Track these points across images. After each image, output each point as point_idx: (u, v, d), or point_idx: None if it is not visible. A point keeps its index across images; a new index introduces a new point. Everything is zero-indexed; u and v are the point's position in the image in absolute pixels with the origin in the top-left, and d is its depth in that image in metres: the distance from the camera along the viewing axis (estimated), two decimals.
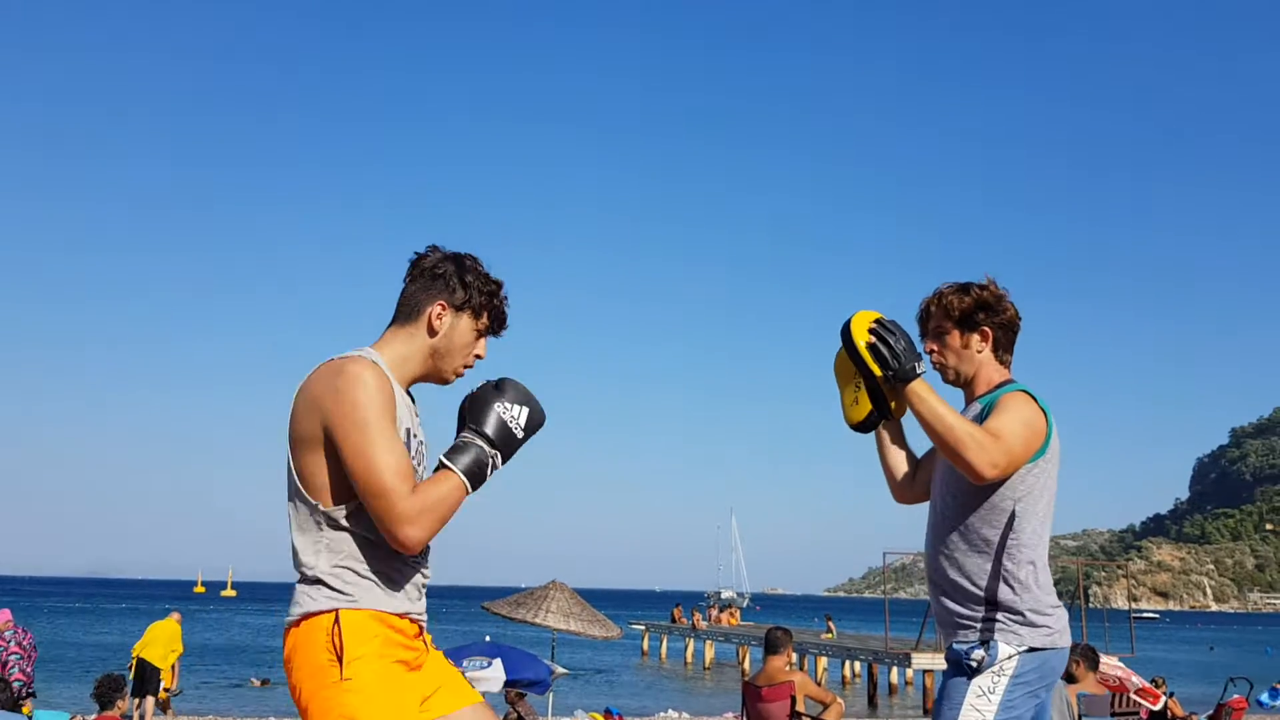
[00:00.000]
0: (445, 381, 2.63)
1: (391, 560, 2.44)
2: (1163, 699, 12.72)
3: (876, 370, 2.91)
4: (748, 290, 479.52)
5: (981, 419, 2.91)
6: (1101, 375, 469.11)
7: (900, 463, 3.25)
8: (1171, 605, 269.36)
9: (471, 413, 2.52)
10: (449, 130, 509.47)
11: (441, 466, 2.44)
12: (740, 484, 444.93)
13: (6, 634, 12.51)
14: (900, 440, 3.27)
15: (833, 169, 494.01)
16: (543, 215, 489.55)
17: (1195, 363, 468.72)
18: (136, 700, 14.10)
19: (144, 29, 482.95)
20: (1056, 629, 2.86)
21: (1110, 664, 10.81)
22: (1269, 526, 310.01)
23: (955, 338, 3.05)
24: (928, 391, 2.84)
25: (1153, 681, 14.24)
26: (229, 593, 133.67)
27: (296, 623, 2.39)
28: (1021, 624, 2.82)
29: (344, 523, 2.40)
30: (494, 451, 2.49)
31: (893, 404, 3.02)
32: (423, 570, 2.55)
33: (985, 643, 2.81)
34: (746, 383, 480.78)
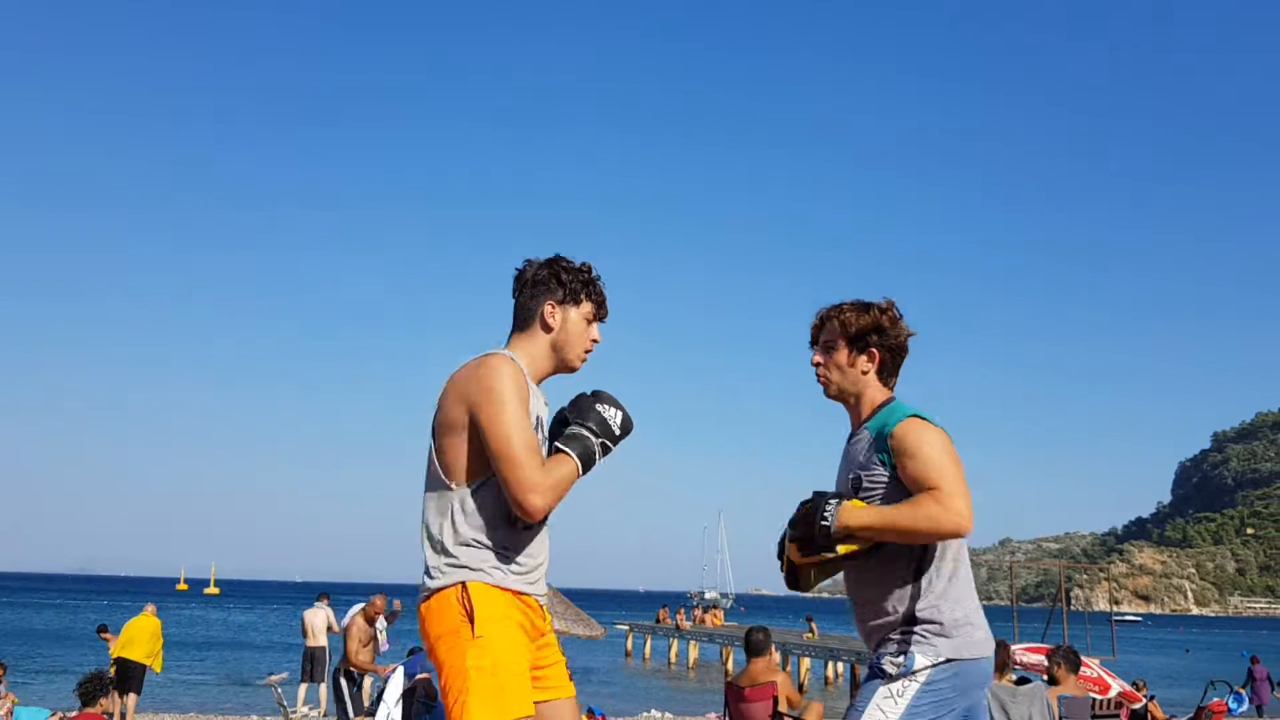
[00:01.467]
0: (573, 369, 3.00)
1: (514, 541, 2.76)
2: (1143, 701, 12.80)
3: (825, 555, 2.90)
4: (736, 291, 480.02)
5: (876, 447, 2.94)
6: (1084, 378, 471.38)
7: None
8: (1153, 608, 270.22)
9: (576, 412, 2.88)
10: (455, 132, 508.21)
11: (558, 450, 2.79)
12: (727, 485, 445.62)
13: None
14: None
15: (825, 166, 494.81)
16: (531, 215, 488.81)
17: (1177, 366, 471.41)
18: (119, 698, 14.04)
19: (145, 28, 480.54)
20: (974, 640, 2.88)
21: (1091, 667, 10.87)
22: (1250, 530, 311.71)
23: (843, 355, 3.09)
24: (860, 518, 2.83)
25: (1134, 684, 14.33)
26: (212, 590, 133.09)
27: (429, 596, 2.72)
28: (937, 635, 2.85)
29: (472, 502, 2.74)
30: (599, 440, 2.85)
31: (855, 548, 2.93)
32: (543, 551, 2.85)
33: (902, 653, 2.85)
34: (734, 383, 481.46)
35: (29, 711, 12.21)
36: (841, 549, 2.87)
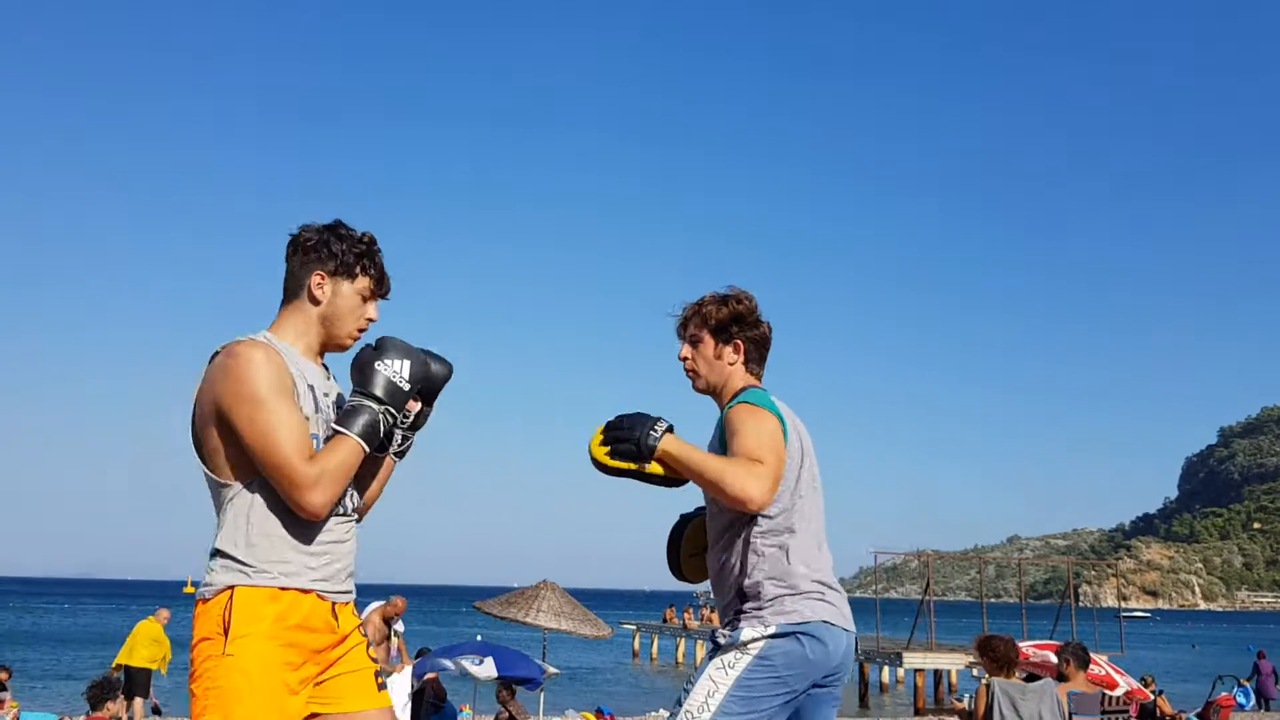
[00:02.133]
0: (343, 347, 2.70)
1: (301, 537, 2.49)
2: (1151, 697, 12.78)
3: (632, 465, 2.84)
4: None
5: (718, 435, 2.99)
6: (1091, 376, 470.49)
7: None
8: (1161, 604, 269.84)
9: (356, 376, 2.61)
10: (456, 131, 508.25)
11: (335, 433, 2.52)
12: None
13: None
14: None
15: (825, 166, 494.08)
16: (532, 215, 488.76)
17: (1183, 362, 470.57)
18: (126, 703, 14.05)
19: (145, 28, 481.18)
20: (807, 613, 2.86)
21: (1099, 663, 10.84)
22: (1256, 525, 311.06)
23: (709, 347, 3.10)
24: (680, 449, 2.81)
25: (1142, 680, 14.31)
26: None
27: (204, 599, 2.44)
28: (765, 609, 2.86)
29: (246, 499, 2.47)
30: (383, 408, 2.57)
31: (661, 472, 2.90)
32: (340, 548, 2.59)
33: (732, 627, 2.88)
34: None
35: (35, 717, 12.24)
36: (650, 467, 2.84)
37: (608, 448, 2.85)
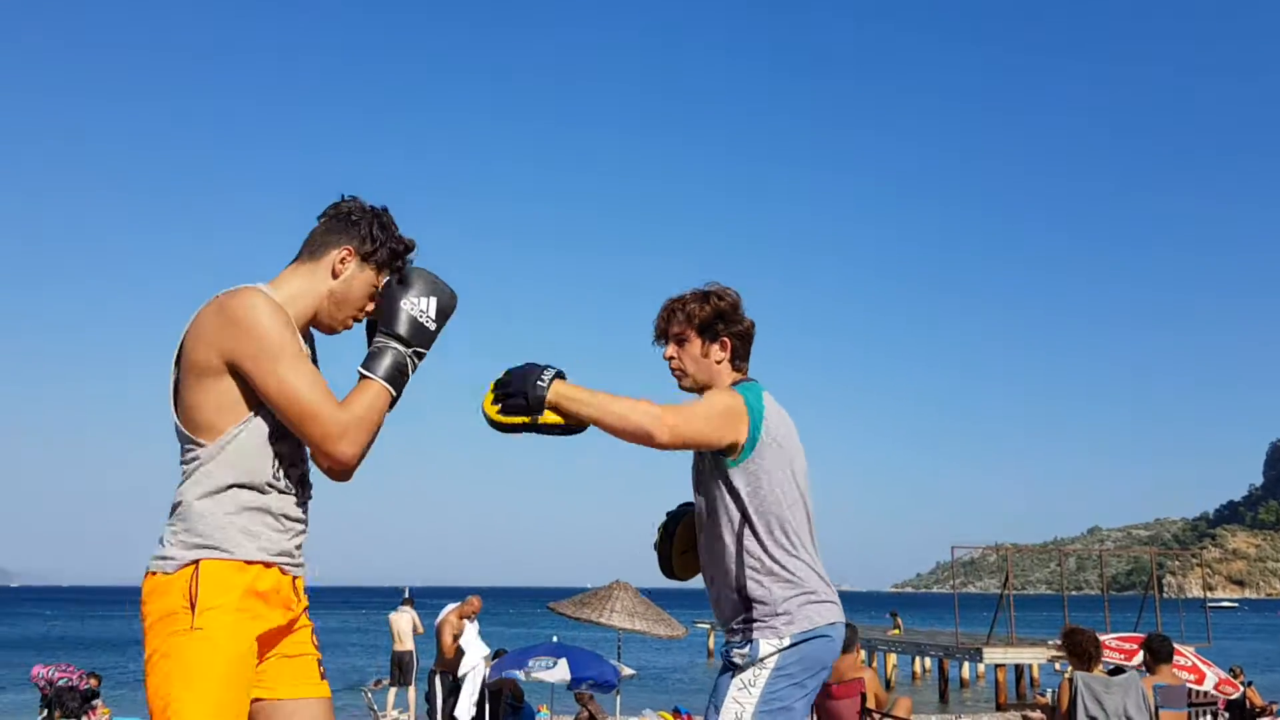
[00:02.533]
0: (332, 330, 2.54)
1: (265, 506, 2.35)
2: (1241, 688, 12.46)
3: (524, 419, 2.71)
4: (766, 290, 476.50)
5: None
6: (1171, 361, 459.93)
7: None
8: (1248, 593, 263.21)
9: (383, 315, 2.50)
10: (458, 129, 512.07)
11: (362, 377, 2.40)
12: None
13: (40, 671, 13.03)
14: None
15: (828, 165, 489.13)
16: (532, 214, 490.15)
17: (1265, 346, 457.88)
18: None
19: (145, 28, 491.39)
20: (816, 618, 2.88)
21: (1185, 655, 10.61)
22: None
23: (696, 345, 3.05)
24: (572, 392, 2.70)
25: (1230, 671, 13.95)
26: None
27: (154, 573, 2.28)
28: (775, 618, 2.87)
29: (219, 461, 2.31)
30: (410, 350, 2.47)
31: (559, 420, 2.78)
32: (298, 523, 2.44)
33: (748, 642, 2.88)
34: (811, 377, 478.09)
35: None
36: (545, 418, 2.71)
37: (499, 405, 2.72)
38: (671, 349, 3.09)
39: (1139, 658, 8.57)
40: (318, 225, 2.53)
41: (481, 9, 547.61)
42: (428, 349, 2.52)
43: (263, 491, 2.35)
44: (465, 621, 11.88)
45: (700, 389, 3.06)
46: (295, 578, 2.42)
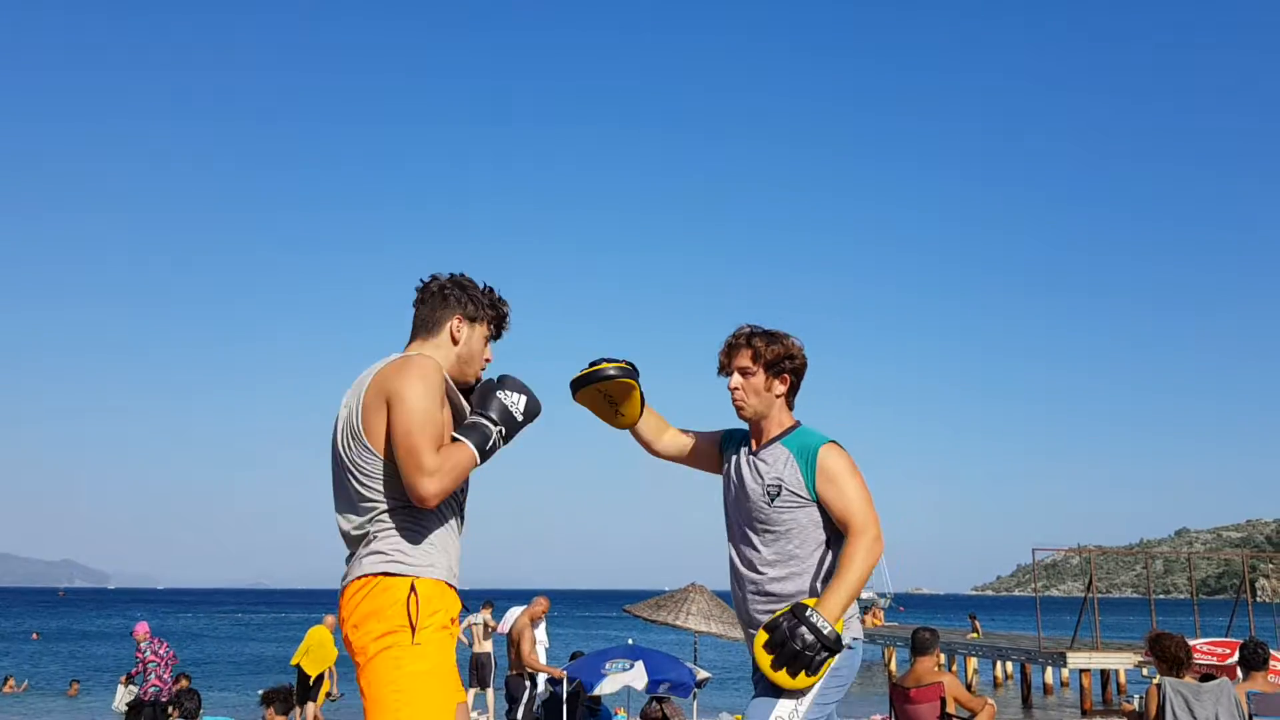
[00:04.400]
0: (467, 384, 3.12)
1: (448, 533, 2.91)
2: None
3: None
4: (827, 288, 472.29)
5: (801, 464, 3.27)
6: (1260, 354, 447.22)
7: (652, 428, 3.60)
8: None
9: (479, 400, 3.01)
10: (456, 131, 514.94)
11: (455, 440, 2.87)
12: (880, 482, 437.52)
13: (143, 645, 13.32)
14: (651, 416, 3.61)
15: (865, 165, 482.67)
16: (533, 214, 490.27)
17: None
18: (299, 709, 14.58)
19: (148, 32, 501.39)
20: (858, 628, 3.29)
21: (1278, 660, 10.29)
22: None
23: (760, 379, 3.37)
24: (837, 600, 3.10)
25: None
26: None
27: (366, 581, 2.79)
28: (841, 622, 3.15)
29: (403, 497, 2.83)
30: (498, 429, 2.95)
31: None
32: (460, 548, 2.99)
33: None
34: (883, 381, 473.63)
35: None
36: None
37: (781, 669, 3.05)
38: (736, 379, 3.39)
39: (1232, 662, 8.32)
40: (419, 308, 3.09)
41: (482, 8, 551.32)
42: (512, 435, 3.03)
43: (444, 518, 2.96)
44: (535, 623, 11.97)
45: (758, 418, 3.39)
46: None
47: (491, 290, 3.15)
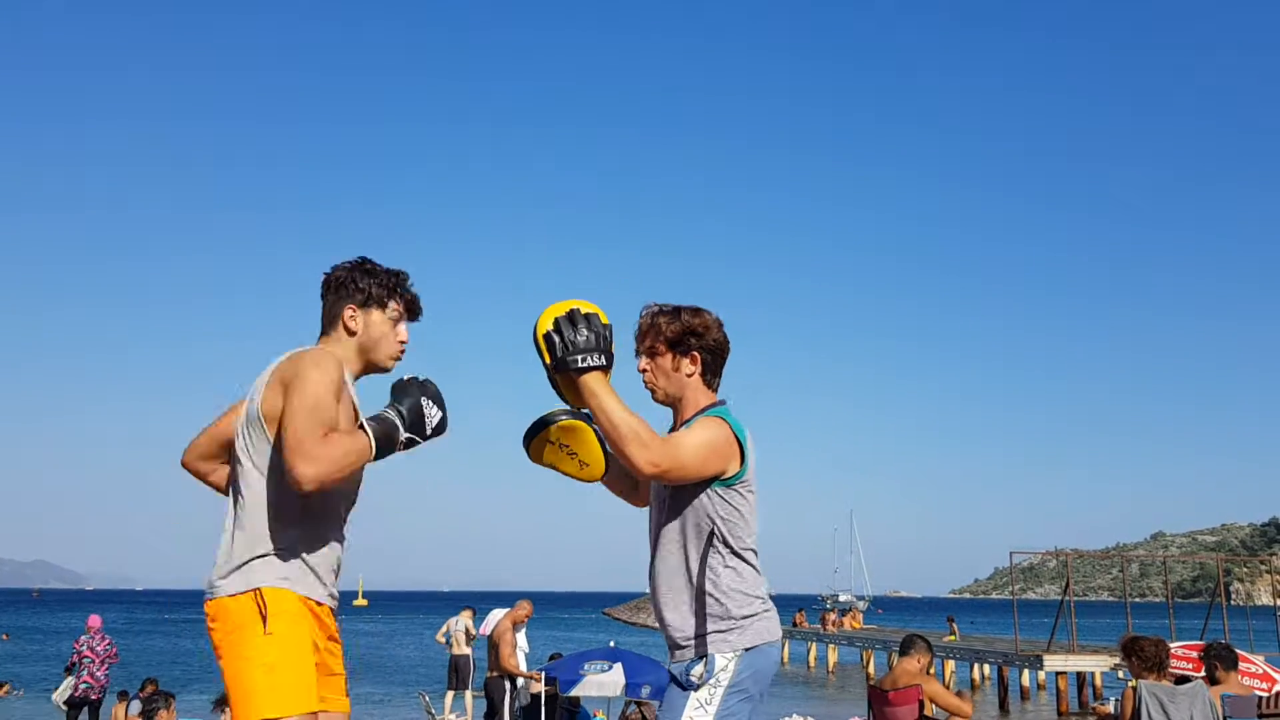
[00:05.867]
0: (385, 369, 3.05)
1: (318, 541, 2.81)
2: None
3: (546, 359, 2.91)
4: (872, 292, 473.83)
5: None
6: (1236, 361, 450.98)
7: (624, 475, 3.31)
8: None
9: (397, 395, 2.93)
10: (454, 133, 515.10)
11: (360, 427, 2.78)
12: (857, 485, 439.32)
13: (83, 639, 13.21)
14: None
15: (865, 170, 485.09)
16: (536, 213, 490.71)
17: None
18: None
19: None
20: (763, 629, 2.99)
21: (1254, 662, 10.38)
22: None
23: (667, 360, 3.13)
24: (599, 385, 2.85)
25: None
26: (360, 602, 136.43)
27: (225, 596, 2.73)
28: (733, 631, 2.95)
29: (277, 504, 2.76)
30: (407, 434, 2.87)
31: (570, 395, 3.00)
32: (340, 551, 2.92)
33: (701, 658, 2.94)
34: (860, 383, 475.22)
35: None
36: (561, 379, 2.93)
37: (550, 328, 2.88)
38: (644, 362, 3.17)
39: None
40: (323, 303, 3.02)
41: (482, 7, 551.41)
42: (416, 441, 2.92)
43: (314, 530, 2.87)
44: (517, 627, 11.96)
45: (671, 402, 3.17)
46: (331, 608, 2.90)
47: (395, 272, 3.05)
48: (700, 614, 2.98)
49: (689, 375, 3.13)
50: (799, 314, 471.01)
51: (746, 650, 2.93)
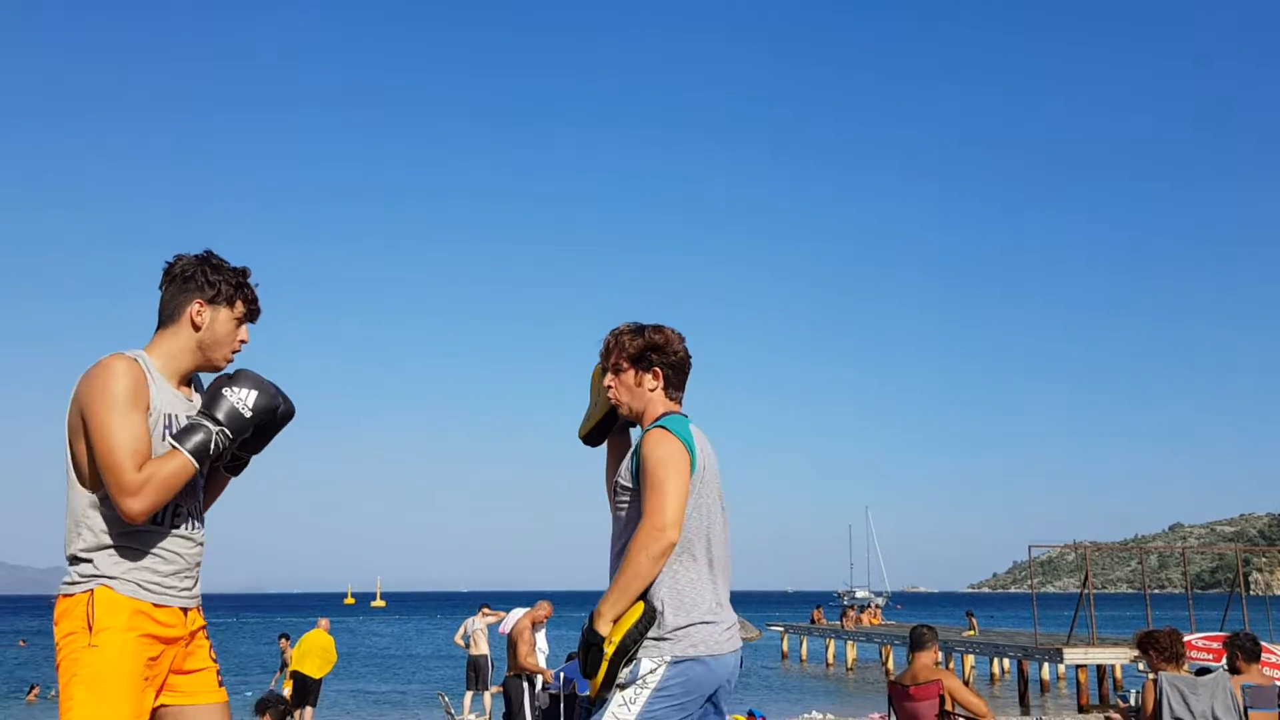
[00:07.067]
0: (218, 368, 3.02)
1: (149, 546, 2.81)
2: None
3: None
4: (882, 293, 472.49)
5: (632, 459, 3.13)
6: (1252, 352, 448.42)
7: None
8: None
9: (205, 400, 2.92)
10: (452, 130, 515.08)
11: (171, 447, 2.79)
12: (873, 482, 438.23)
13: None
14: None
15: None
16: (532, 213, 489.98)
17: None
18: (297, 712, 14.59)
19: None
20: (700, 640, 2.99)
21: (1275, 652, 10.33)
22: None
23: (629, 375, 3.28)
24: (609, 608, 2.98)
25: None
26: (379, 603, 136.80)
27: (64, 597, 2.77)
28: (666, 639, 2.97)
29: (102, 507, 2.78)
30: (219, 429, 2.84)
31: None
32: (188, 551, 2.91)
33: (633, 659, 2.97)
34: (877, 381, 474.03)
35: None
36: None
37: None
38: (609, 378, 3.31)
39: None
40: (162, 292, 2.96)
41: (481, 7, 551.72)
42: (239, 434, 2.91)
43: (140, 534, 2.83)
44: (536, 627, 11.98)
45: (635, 415, 3.30)
46: (184, 607, 2.91)
47: (241, 270, 3.02)
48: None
49: (651, 390, 3.27)
50: (816, 311, 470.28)
51: (677, 660, 2.96)
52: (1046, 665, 26.95)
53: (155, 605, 2.79)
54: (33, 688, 27.97)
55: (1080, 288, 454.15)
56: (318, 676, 15.15)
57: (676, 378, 3.30)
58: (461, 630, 17.81)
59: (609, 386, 3.30)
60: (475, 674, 17.14)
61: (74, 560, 2.79)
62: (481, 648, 17.16)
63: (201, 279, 2.94)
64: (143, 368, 2.83)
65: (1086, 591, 24.21)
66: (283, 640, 15.93)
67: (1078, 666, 23.80)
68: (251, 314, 3.05)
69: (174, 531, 2.87)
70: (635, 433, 3.37)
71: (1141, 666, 20.99)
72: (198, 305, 2.93)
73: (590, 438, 3.45)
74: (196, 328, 2.93)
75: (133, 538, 2.78)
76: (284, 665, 15.40)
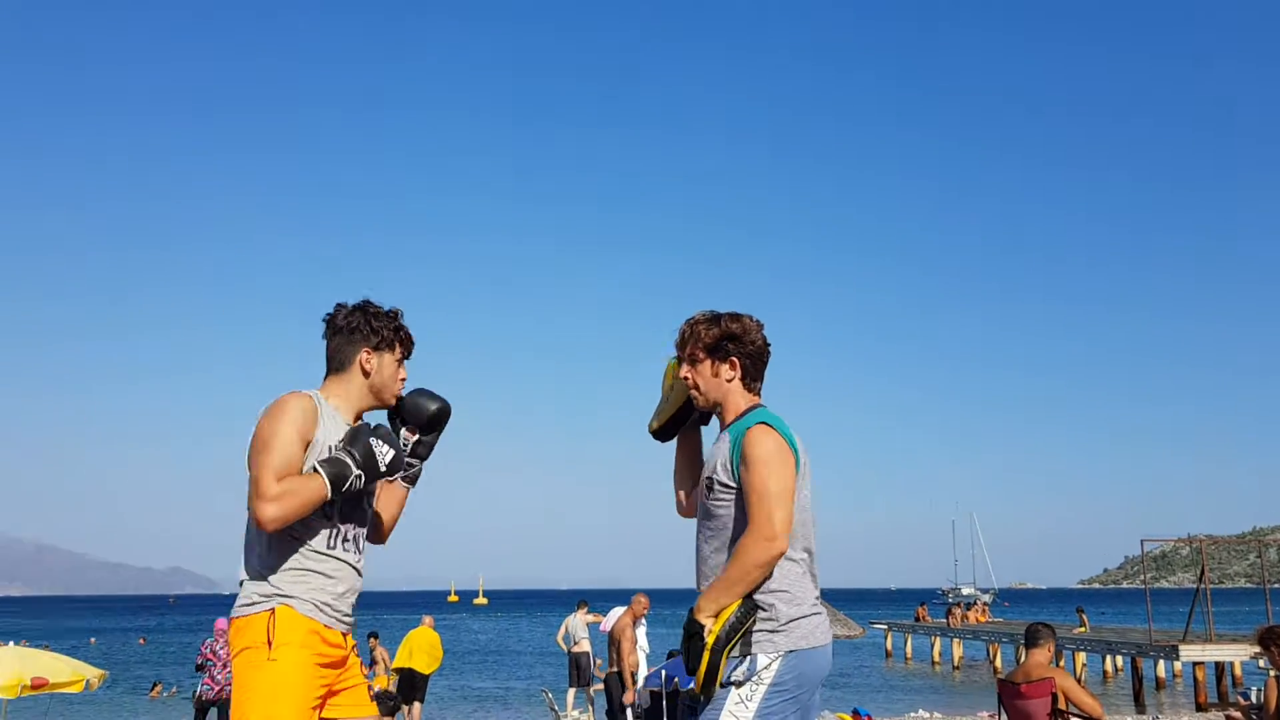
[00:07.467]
0: (388, 405, 3.29)
1: (323, 569, 3.01)
2: None
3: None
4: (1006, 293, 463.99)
5: (732, 456, 3.03)
6: None
7: (689, 478, 3.43)
8: None
9: (350, 438, 3.07)
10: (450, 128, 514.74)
11: (314, 470, 2.95)
12: (980, 477, 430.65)
13: (209, 641, 13.46)
14: (698, 455, 3.45)
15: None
16: (536, 212, 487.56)
17: None
18: (406, 708, 14.84)
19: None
20: (810, 631, 2.97)
21: None
22: None
23: (706, 365, 3.20)
24: (711, 602, 2.95)
25: None
26: (480, 600, 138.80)
27: (240, 616, 2.96)
28: (779, 632, 2.94)
29: (279, 533, 2.95)
30: (358, 471, 3.00)
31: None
32: (352, 576, 3.12)
33: (745, 656, 2.93)
34: (987, 379, 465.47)
35: None
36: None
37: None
38: (685, 369, 3.24)
39: None
40: (328, 342, 3.22)
41: (483, 6, 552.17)
42: (370, 481, 3.07)
43: (309, 558, 3.03)
44: (636, 622, 12.00)
45: (712, 405, 3.23)
46: (343, 631, 3.10)
47: (395, 314, 3.25)
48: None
49: (729, 380, 3.19)
50: (931, 309, 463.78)
51: (790, 652, 2.93)
52: (1162, 663, 26.18)
53: (325, 627, 2.99)
54: (155, 685, 28.82)
55: (1191, 285, 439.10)
56: (427, 672, 15.38)
57: (755, 368, 3.22)
58: (563, 630, 17.93)
59: (685, 377, 3.23)
60: (577, 671, 17.26)
61: (252, 579, 2.98)
62: (583, 644, 17.27)
63: (366, 329, 3.19)
64: (316, 404, 3.06)
65: (1203, 586, 23.44)
66: (372, 639, 16.17)
67: (1195, 664, 23.06)
68: (409, 353, 3.30)
69: (343, 556, 3.08)
70: (711, 427, 3.33)
71: (1263, 663, 20.25)
72: (366, 354, 3.18)
73: (661, 432, 3.41)
74: (366, 374, 3.19)
75: (308, 559, 2.99)
76: (373, 663, 15.62)
